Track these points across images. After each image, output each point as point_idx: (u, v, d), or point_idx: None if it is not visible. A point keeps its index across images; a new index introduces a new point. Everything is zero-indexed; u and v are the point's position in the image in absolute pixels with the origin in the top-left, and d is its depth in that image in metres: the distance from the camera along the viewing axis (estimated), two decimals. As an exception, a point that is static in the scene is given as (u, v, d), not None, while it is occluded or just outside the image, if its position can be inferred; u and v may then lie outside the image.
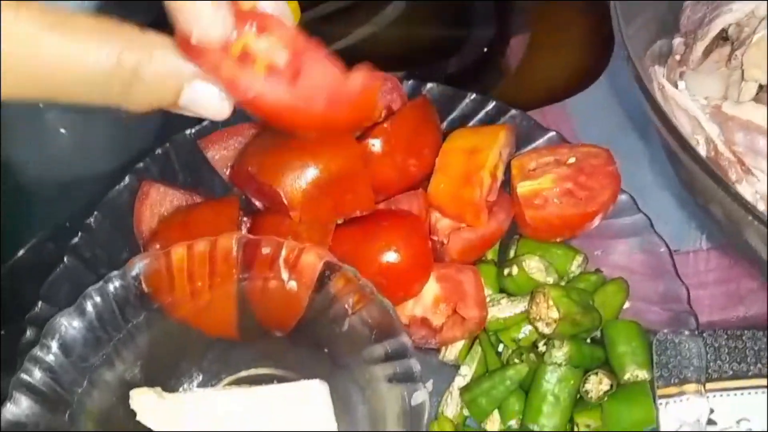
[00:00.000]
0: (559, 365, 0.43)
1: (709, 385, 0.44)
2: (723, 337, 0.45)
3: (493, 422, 0.44)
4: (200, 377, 0.46)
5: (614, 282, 0.47)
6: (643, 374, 0.43)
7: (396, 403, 0.39)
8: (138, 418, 0.40)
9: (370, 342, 0.40)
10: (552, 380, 0.42)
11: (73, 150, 0.63)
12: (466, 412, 0.45)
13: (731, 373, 0.45)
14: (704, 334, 0.45)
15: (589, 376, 0.43)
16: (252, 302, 0.44)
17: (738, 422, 0.44)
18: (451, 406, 0.45)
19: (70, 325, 0.40)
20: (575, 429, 0.43)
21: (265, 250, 0.42)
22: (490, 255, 0.50)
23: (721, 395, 0.45)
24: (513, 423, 0.44)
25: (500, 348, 0.47)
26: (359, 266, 0.41)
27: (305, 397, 0.41)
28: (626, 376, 0.43)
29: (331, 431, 0.41)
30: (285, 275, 0.42)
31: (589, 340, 0.46)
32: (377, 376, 0.40)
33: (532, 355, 0.44)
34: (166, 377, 0.44)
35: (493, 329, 0.46)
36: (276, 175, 0.43)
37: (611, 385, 0.43)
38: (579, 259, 0.48)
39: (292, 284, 0.42)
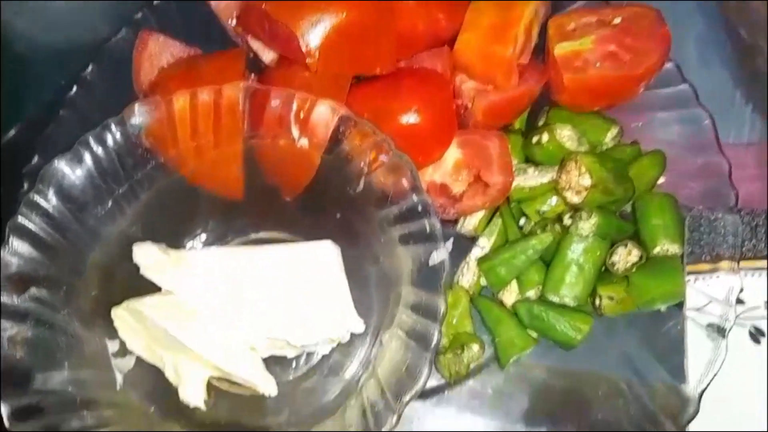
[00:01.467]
0: (586, 236, 0.40)
1: (742, 264, 0.42)
2: (761, 217, 0.43)
3: (511, 293, 0.43)
4: (205, 238, 0.44)
5: (651, 154, 0.43)
6: (674, 248, 0.41)
7: (411, 262, 0.36)
8: (141, 272, 0.39)
9: (386, 203, 0.38)
10: (577, 250, 0.40)
11: (69, 16, 0.59)
12: (483, 282, 0.43)
13: (767, 252, 0.43)
14: (742, 212, 0.43)
15: (617, 247, 0.41)
16: (260, 162, 0.41)
17: (767, 303, 0.42)
18: (467, 276, 0.43)
19: (67, 172, 0.37)
20: (597, 301, 0.41)
21: (275, 103, 0.38)
22: (517, 125, 0.46)
23: (753, 275, 0.43)
24: (531, 294, 0.42)
25: (522, 221, 0.44)
26: (375, 128, 0.37)
27: (316, 256, 0.39)
28: (656, 250, 0.41)
29: (342, 290, 0.39)
30: (296, 132, 0.39)
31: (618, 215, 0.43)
32: (392, 238, 0.38)
33: (556, 227, 0.41)
34: (170, 236, 0.41)
35: (516, 199, 0.43)
36: (294, 16, 0.38)
37: (640, 257, 0.40)
38: (614, 130, 0.44)
39: (304, 142, 0.39)
